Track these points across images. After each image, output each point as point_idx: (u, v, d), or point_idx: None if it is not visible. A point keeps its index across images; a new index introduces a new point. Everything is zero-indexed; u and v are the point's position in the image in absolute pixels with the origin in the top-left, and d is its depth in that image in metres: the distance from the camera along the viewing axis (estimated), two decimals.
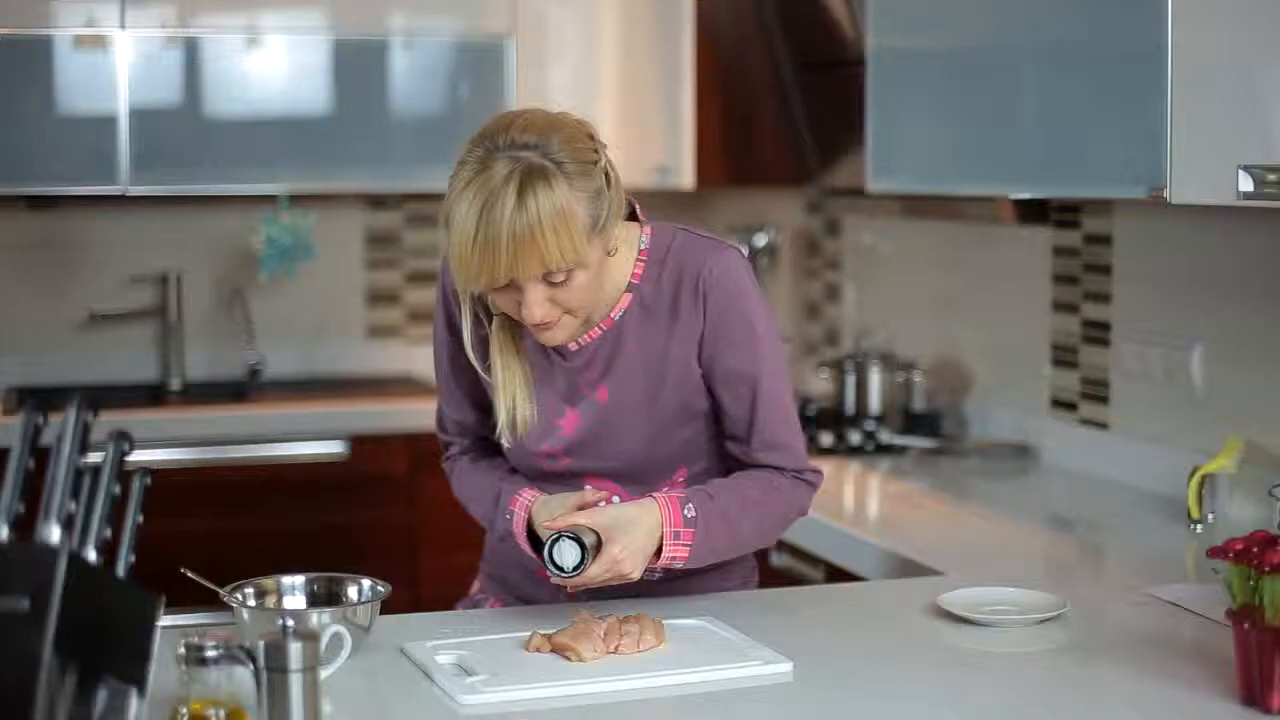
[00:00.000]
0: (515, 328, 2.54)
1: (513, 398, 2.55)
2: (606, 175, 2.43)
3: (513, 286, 2.38)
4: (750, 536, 2.60)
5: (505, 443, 2.61)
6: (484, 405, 2.66)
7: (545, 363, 2.58)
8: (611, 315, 2.56)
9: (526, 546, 2.55)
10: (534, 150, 2.34)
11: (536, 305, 2.38)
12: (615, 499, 2.56)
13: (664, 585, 2.64)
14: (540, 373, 2.58)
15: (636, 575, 2.46)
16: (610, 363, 2.56)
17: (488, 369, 2.57)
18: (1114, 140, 3.07)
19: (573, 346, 2.56)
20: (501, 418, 2.56)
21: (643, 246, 2.57)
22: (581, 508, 2.48)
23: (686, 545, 2.48)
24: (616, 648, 2.33)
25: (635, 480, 2.60)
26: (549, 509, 2.52)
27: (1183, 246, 3.57)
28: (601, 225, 2.40)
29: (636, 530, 2.45)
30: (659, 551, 2.48)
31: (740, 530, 2.56)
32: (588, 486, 2.58)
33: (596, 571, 2.41)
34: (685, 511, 2.48)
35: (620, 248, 2.51)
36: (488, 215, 2.31)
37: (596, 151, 2.42)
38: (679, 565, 2.50)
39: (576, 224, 2.35)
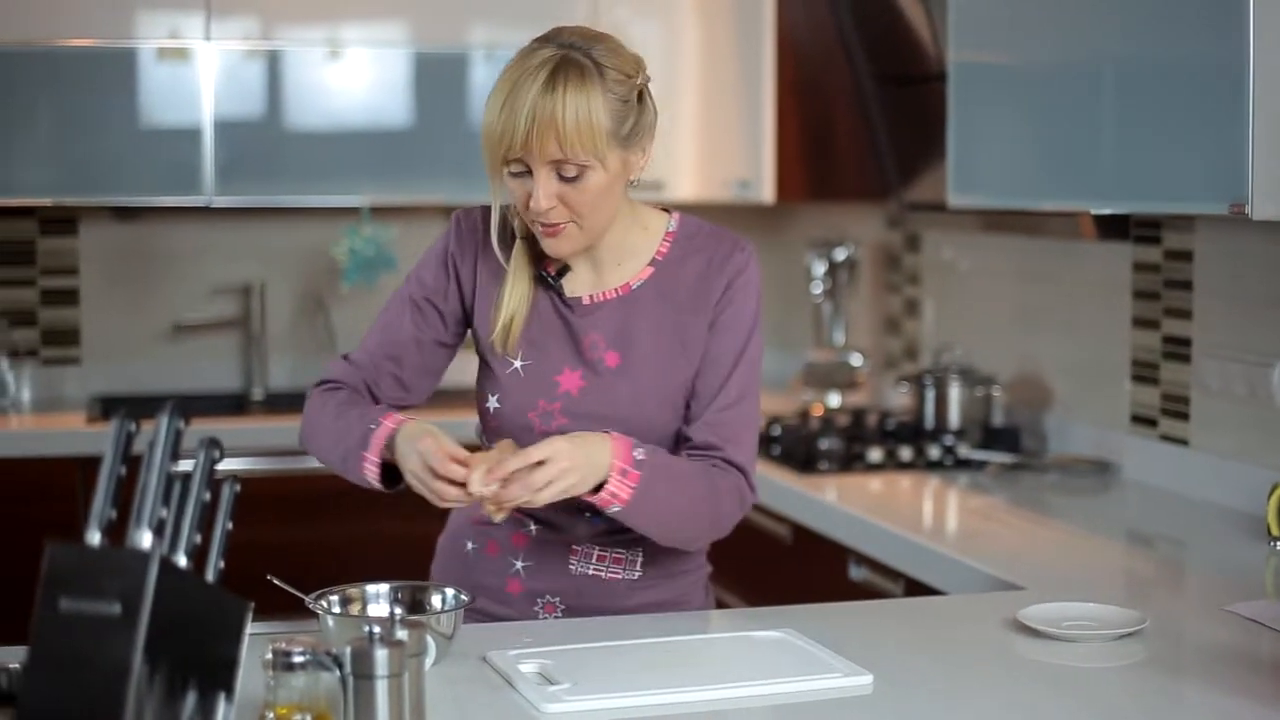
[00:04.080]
0: (532, 257, 2.61)
1: (511, 314, 2.59)
2: (641, 95, 2.51)
3: (528, 174, 2.46)
4: (683, 513, 2.53)
5: (493, 404, 2.62)
6: (408, 377, 2.69)
7: (550, 309, 2.61)
8: (629, 283, 2.61)
9: (375, 467, 2.56)
10: (576, 50, 2.46)
11: (544, 195, 2.45)
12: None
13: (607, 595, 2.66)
14: (543, 319, 2.61)
15: (578, 490, 2.41)
16: (622, 331, 2.59)
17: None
18: (1195, 155, 3.07)
19: (585, 300, 2.60)
20: (495, 331, 2.59)
21: (670, 229, 2.65)
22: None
23: (631, 487, 2.43)
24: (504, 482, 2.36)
25: None
26: (413, 438, 2.46)
27: (1264, 263, 3.56)
28: (625, 136, 2.48)
29: (590, 448, 2.42)
30: (598, 488, 2.44)
31: (677, 500, 2.51)
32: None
33: (542, 479, 2.37)
34: (635, 453, 2.45)
35: (650, 224, 2.63)
36: (516, 88, 2.43)
37: (636, 71, 2.51)
38: (615, 510, 2.45)
39: (598, 121, 2.43)
